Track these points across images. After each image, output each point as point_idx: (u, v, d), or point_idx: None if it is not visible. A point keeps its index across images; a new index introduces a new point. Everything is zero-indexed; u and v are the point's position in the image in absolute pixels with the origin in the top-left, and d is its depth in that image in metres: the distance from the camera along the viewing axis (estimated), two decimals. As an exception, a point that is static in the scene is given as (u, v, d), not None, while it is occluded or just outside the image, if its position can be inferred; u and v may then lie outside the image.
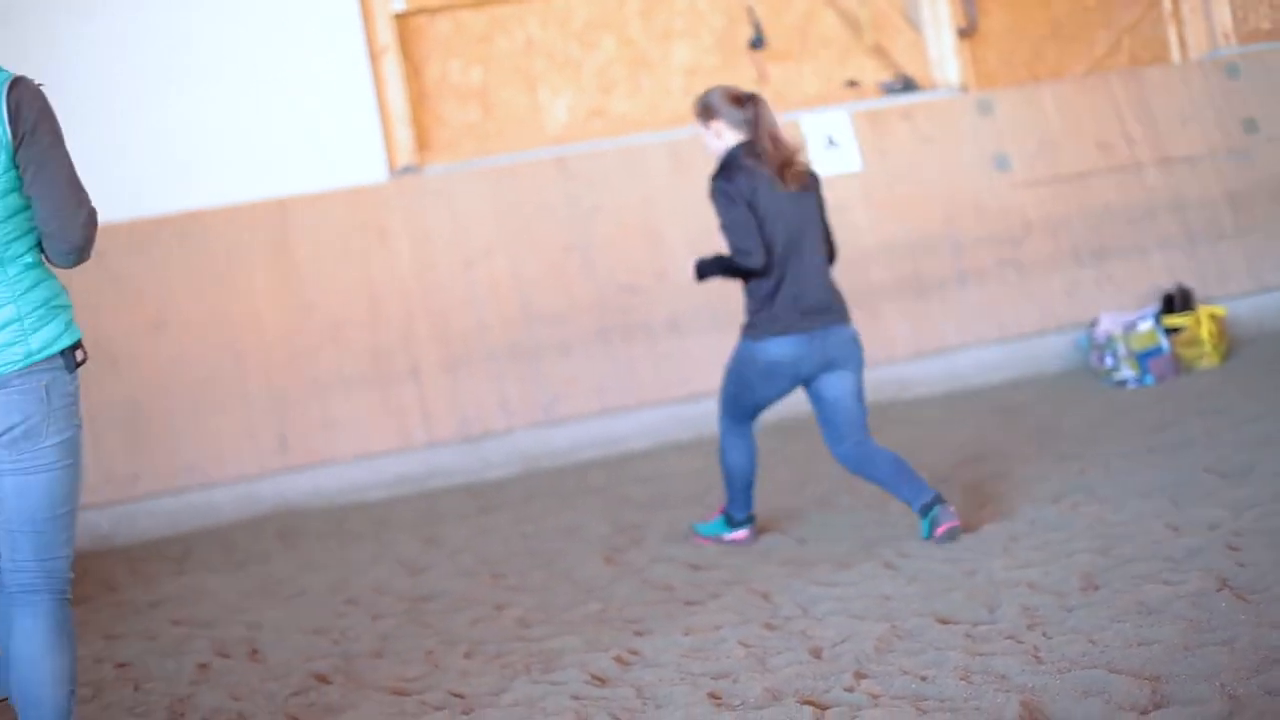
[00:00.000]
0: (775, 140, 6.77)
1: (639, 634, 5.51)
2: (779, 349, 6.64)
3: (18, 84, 4.09)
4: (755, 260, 6.59)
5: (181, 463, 9.94)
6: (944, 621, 5.13)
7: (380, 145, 10.70)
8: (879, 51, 11.86)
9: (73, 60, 10.19)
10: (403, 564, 7.51)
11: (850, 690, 4.51)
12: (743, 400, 6.87)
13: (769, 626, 5.36)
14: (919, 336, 10.88)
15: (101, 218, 4.43)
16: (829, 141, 11.11)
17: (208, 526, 9.66)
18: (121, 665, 6.14)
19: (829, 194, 11.09)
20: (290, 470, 9.95)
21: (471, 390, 10.22)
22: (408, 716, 4.84)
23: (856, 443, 6.71)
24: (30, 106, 4.09)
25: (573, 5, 11.43)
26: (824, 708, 4.40)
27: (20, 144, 4.07)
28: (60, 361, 4.18)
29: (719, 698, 4.62)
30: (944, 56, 11.73)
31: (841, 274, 10.84)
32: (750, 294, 6.74)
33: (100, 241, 5.27)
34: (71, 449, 4.20)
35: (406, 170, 10.69)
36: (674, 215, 10.81)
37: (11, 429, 4.09)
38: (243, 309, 10.20)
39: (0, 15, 10.07)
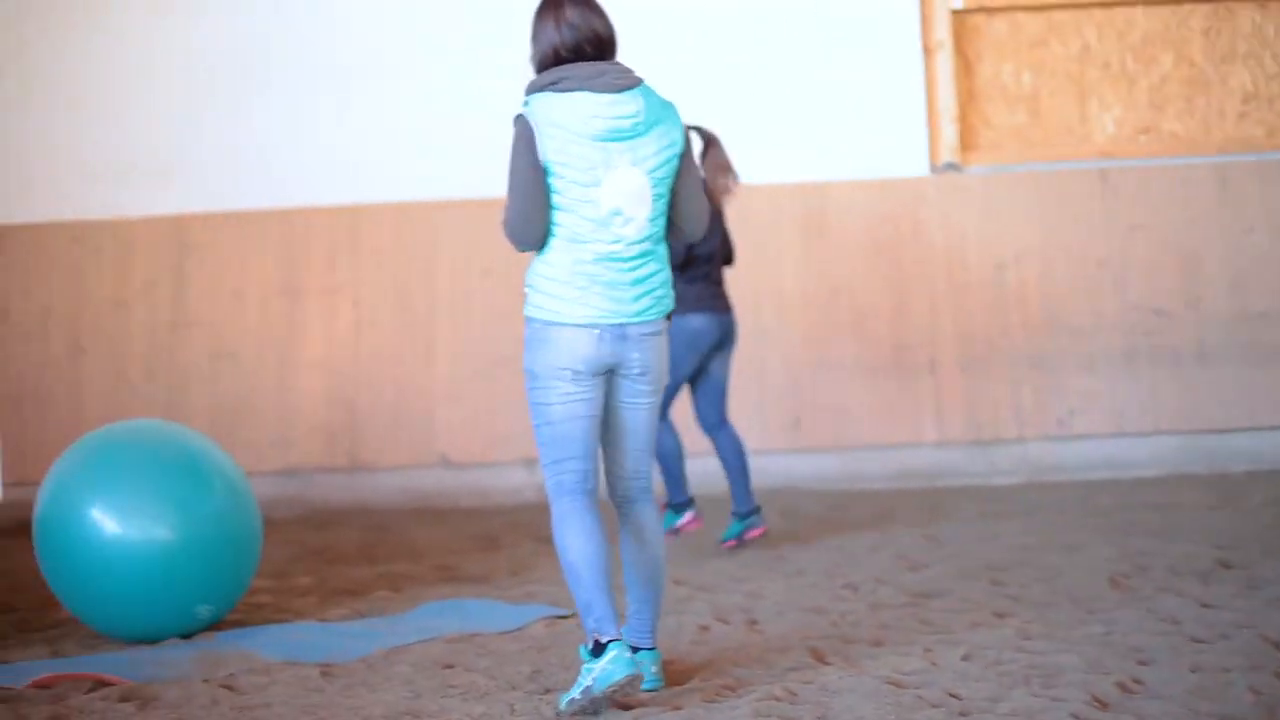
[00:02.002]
0: (724, 168, 8.24)
1: (1142, 663, 5.39)
2: (699, 321, 8.00)
3: None
4: (678, 255, 7.83)
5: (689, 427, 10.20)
6: None
7: (924, 140, 10.72)
8: None
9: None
10: (903, 557, 7.54)
11: (1369, 756, 4.33)
12: (669, 385, 7.91)
13: (1281, 677, 5.18)
14: None
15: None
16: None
17: (709, 494, 9.90)
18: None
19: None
20: (799, 451, 10.12)
21: (987, 394, 10.18)
22: (903, 709, 4.86)
23: (723, 419, 8.25)
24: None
25: (1134, 17, 11.18)
26: (1339, 770, 4.23)
27: (682, 154, 5.23)
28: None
29: (1226, 741, 4.50)
30: None
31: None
32: (677, 279, 7.79)
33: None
34: None
35: (948, 167, 10.68)
36: (1217, 242, 10.50)
37: (650, 369, 5.17)
38: (771, 286, 10.40)
39: None
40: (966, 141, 10.92)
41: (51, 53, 11.14)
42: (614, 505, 5.30)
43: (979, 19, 11.04)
